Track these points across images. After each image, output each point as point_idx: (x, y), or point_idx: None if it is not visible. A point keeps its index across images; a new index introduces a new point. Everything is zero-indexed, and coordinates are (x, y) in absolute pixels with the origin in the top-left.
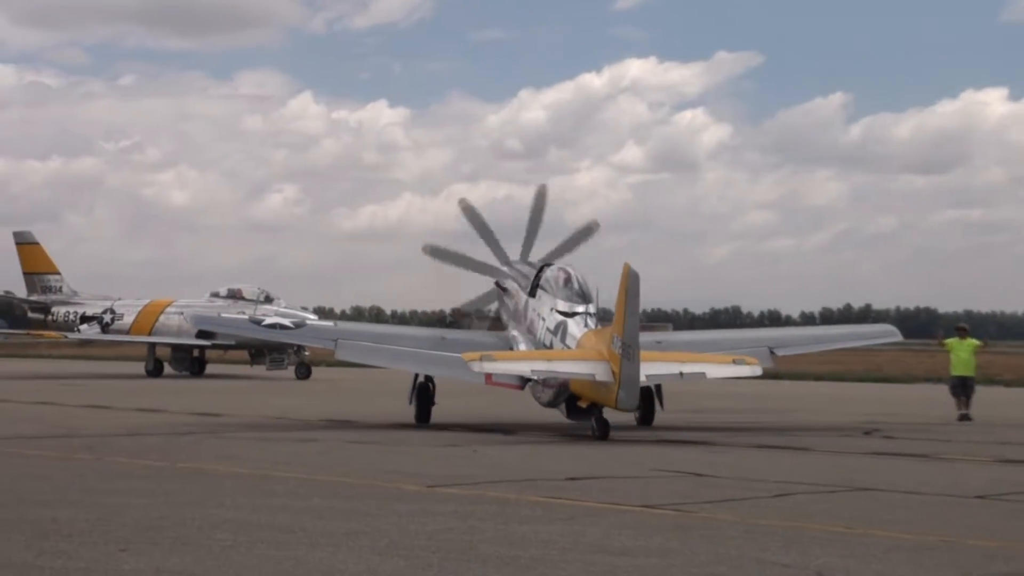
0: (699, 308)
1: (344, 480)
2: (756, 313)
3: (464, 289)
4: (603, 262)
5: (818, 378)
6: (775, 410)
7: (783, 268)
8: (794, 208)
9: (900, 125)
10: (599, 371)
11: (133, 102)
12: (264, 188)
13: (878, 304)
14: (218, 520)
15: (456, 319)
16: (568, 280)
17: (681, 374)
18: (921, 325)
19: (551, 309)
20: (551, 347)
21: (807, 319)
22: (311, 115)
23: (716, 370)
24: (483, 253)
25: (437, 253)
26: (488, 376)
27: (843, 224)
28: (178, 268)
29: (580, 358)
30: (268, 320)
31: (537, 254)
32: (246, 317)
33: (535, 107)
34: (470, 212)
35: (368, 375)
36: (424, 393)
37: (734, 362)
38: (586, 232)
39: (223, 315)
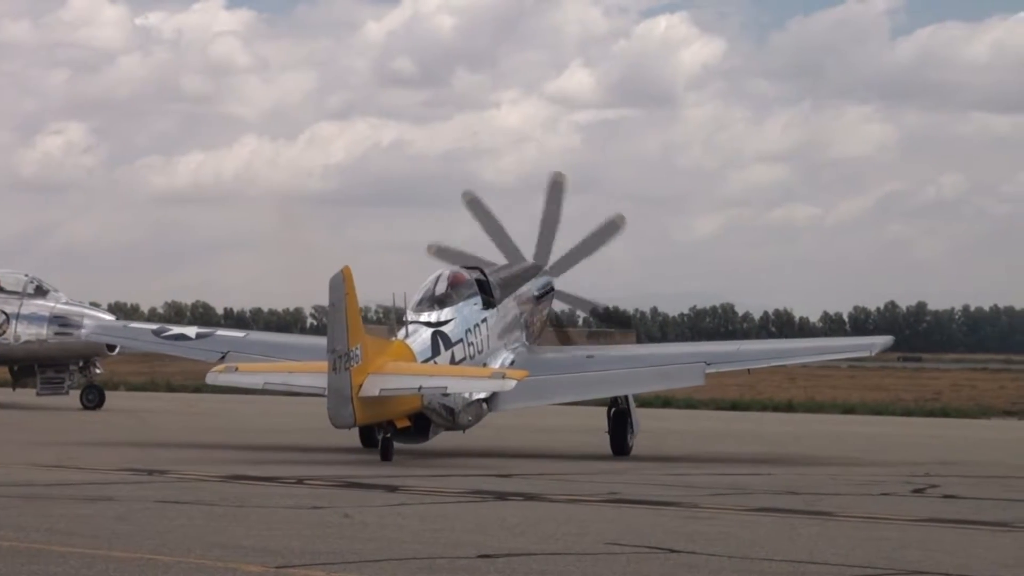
0: (674, 307)
1: (153, 557)
2: (758, 315)
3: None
4: (534, 238)
5: (847, 411)
6: (786, 457)
7: (799, 249)
8: (817, 161)
9: (973, 42)
10: None
11: None
12: (35, 128)
13: (937, 302)
14: None
15: None
16: (431, 284)
17: (420, 388)
18: (1004, 332)
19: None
20: None
21: (831, 324)
22: (106, 19)
23: (463, 384)
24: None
25: (445, 255)
26: None
27: (889, 185)
28: None
29: (321, 370)
30: (173, 330)
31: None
32: (151, 328)
33: (437, 10)
34: (477, 208)
35: (201, 401)
36: None
37: (491, 376)
38: (608, 230)
39: (130, 325)
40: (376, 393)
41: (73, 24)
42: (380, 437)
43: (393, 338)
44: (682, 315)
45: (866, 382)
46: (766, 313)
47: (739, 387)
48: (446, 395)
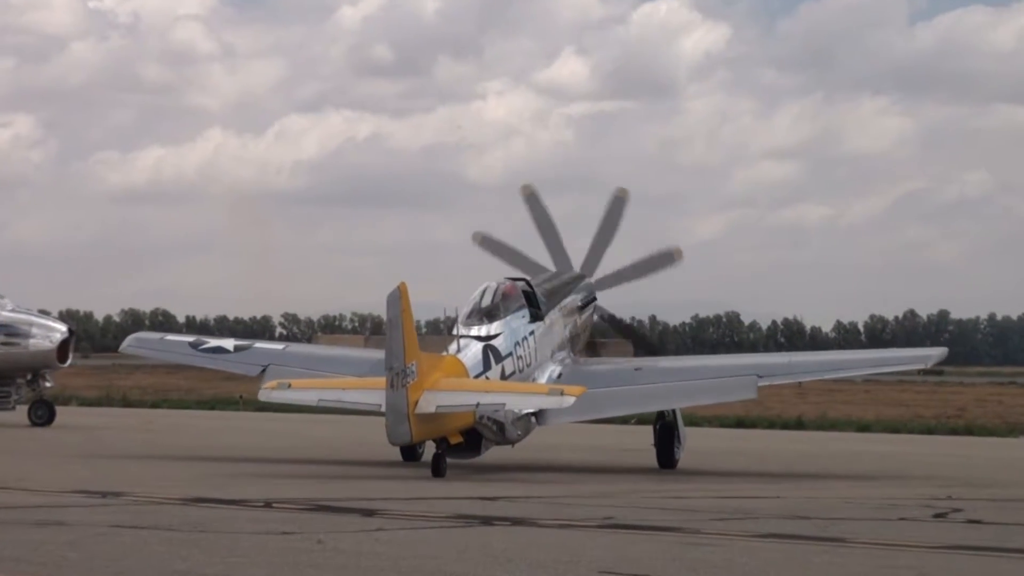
0: (675, 316)
1: None
2: (765, 324)
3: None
4: (522, 241)
5: (863, 428)
6: (795, 476)
7: (811, 253)
8: (830, 158)
9: (998, 28)
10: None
11: None
12: None
13: (960, 311)
14: None
15: None
16: (478, 297)
17: (478, 404)
18: None
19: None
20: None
21: (846, 334)
22: (57, 2)
23: (520, 401)
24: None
25: (489, 245)
26: None
27: (908, 183)
28: None
29: (373, 387)
30: (211, 343)
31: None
32: (188, 340)
33: None
34: (534, 202)
35: (164, 416)
36: None
37: (549, 392)
38: (662, 260)
39: (167, 337)
40: (432, 410)
41: (20, 8)
42: (434, 452)
43: (445, 352)
44: (683, 324)
45: (883, 397)
46: (774, 322)
47: (745, 402)
48: (496, 411)
